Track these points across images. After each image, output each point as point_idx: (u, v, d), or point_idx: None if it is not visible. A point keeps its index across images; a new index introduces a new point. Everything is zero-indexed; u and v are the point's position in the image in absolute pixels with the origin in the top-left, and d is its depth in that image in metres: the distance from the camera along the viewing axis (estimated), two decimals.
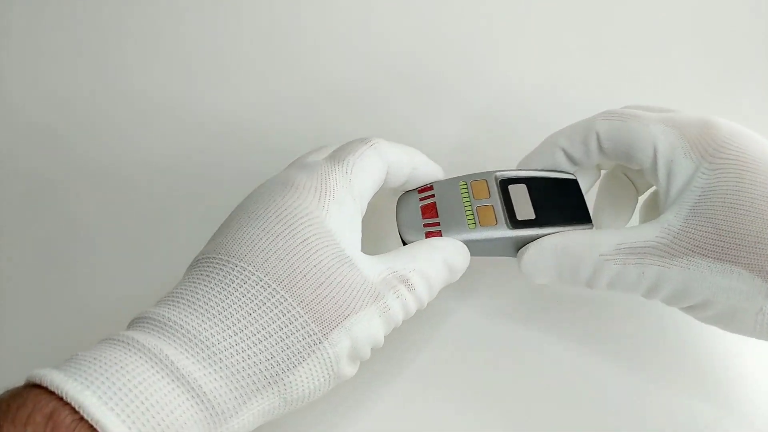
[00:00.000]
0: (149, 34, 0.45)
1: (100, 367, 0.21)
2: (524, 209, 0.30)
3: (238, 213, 0.27)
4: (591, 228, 0.30)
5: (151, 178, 0.40)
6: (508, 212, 0.30)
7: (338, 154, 0.29)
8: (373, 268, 0.26)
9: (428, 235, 0.30)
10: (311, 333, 0.24)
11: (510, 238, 0.30)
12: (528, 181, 0.31)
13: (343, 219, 0.27)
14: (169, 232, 0.37)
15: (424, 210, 0.31)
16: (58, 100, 0.42)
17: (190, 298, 0.24)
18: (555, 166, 0.32)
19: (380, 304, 0.26)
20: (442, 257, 0.29)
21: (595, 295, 0.33)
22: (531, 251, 0.29)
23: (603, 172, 0.34)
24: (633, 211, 0.34)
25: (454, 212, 0.30)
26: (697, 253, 0.26)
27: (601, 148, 0.30)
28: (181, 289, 0.25)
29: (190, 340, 0.23)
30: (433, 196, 0.31)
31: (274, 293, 0.24)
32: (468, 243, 0.30)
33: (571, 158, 0.31)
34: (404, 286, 0.27)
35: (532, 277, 0.29)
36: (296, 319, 0.24)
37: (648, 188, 0.34)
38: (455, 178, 0.32)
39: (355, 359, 0.26)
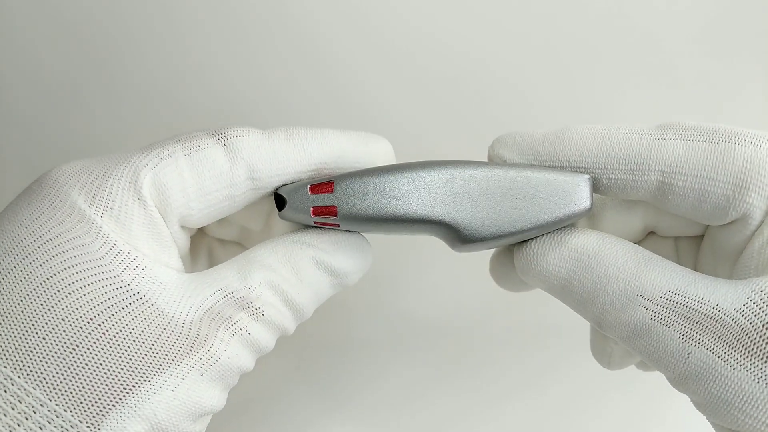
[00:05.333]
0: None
1: None
2: None
3: None
4: (588, 210, 0.19)
5: None
6: None
7: (158, 142, 0.20)
8: (190, 297, 0.18)
9: (315, 210, 0.19)
10: (68, 429, 0.16)
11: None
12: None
13: (129, 233, 0.18)
14: None
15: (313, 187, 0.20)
16: None
17: None
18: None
19: (201, 354, 0.18)
20: (313, 257, 0.20)
21: None
22: (542, 245, 0.19)
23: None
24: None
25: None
26: None
27: (666, 186, 0.19)
28: None
29: None
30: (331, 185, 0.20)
31: None
32: (380, 224, 0.19)
33: (599, 188, 0.20)
34: (245, 314, 0.19)
35: (529, 278, 0.20)
36: (36, 412, 0.16)
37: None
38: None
39: None
